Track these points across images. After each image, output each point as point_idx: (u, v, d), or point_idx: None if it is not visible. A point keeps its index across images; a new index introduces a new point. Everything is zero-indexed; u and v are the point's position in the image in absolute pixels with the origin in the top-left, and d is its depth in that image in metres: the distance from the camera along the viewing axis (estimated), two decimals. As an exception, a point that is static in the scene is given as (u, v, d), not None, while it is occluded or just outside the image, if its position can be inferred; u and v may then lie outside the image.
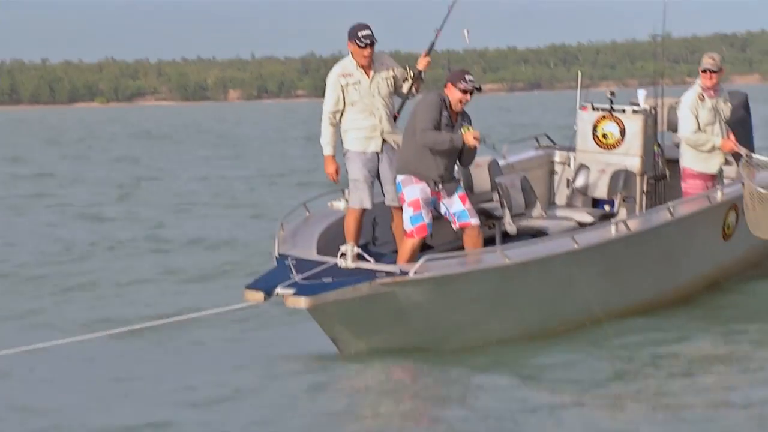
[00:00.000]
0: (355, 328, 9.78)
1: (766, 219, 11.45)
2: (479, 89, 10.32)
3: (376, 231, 10.89)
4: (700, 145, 11.79)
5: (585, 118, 12.20)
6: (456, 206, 10.37)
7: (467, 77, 10.15)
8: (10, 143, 50.59)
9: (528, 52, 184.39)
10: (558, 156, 12.82)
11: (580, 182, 12.20)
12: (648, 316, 10.86)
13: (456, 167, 10.51)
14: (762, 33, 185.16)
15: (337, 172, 10.32)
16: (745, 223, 11.62)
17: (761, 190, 11.35)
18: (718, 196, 11.58)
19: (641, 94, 12.33)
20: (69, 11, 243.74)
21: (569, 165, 12.64)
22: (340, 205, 10.79)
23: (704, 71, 11.72)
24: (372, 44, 10.21)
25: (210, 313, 10.21)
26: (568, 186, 12.48)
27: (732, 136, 11.85)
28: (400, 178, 10.35)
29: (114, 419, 8.37)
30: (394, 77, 10.41)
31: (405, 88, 10.45)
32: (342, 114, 10.32)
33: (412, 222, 10.25)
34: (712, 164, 11.86)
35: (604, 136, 12.09)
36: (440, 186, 10.32)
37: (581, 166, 12.24)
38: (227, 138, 52.15)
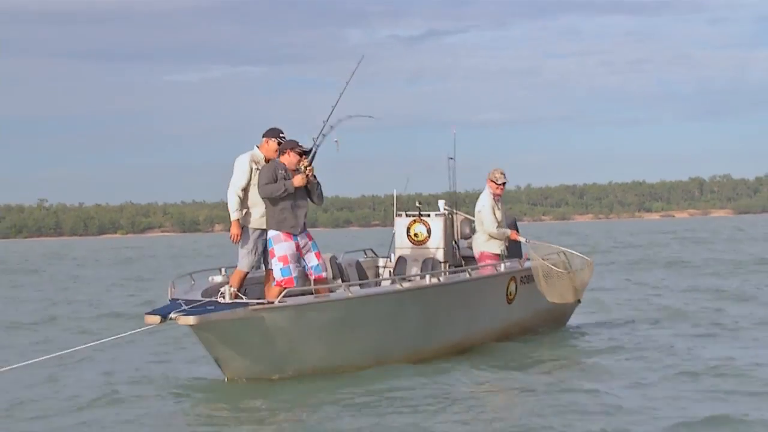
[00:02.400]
0: (233, 346, 9.80)
1: (551, 287, 12.32)
2: (308, 152, 10.57)
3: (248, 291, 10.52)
4: (500, 236, 12.72)
5: (400, 223, 12.59)
6: (313, 261, 10.62)
7: (299, 146, 10.51)
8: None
9: (429, 197, 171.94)
10: (380, 261, 13.24)
11: (399, 271, 12.42)
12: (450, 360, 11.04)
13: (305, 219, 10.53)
14: (594, 185, 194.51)
15: (239, 236, 10.36)
16: (525, 292, 12.53)
17: (547, 264, 12.37)
18: (502, 267, 12.41)
19: (441, 203, 12.78)
20: (98, 168, 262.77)
21: (390, 261, 12.97)
22: (218, 278, 10.72)
23: (501, 184, 12.69)
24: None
25: (115, 338, 10.40)
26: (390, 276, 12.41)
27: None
28: (271, 234, 10.42)
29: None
30: None
31: None
32: (244, 193, 10.37)
33: (282, 274, 10.38)
34: (498, 248, 12.78)
35: (415, 235, 12.54)
36: (299, 234, 10.46)
37: (400, 259, 12.63)
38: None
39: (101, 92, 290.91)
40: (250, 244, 10.52)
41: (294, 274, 10.50)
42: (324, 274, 10.79)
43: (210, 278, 10.86)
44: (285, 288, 10.27)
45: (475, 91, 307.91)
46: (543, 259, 12.70)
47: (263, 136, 10.57)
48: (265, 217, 10.49)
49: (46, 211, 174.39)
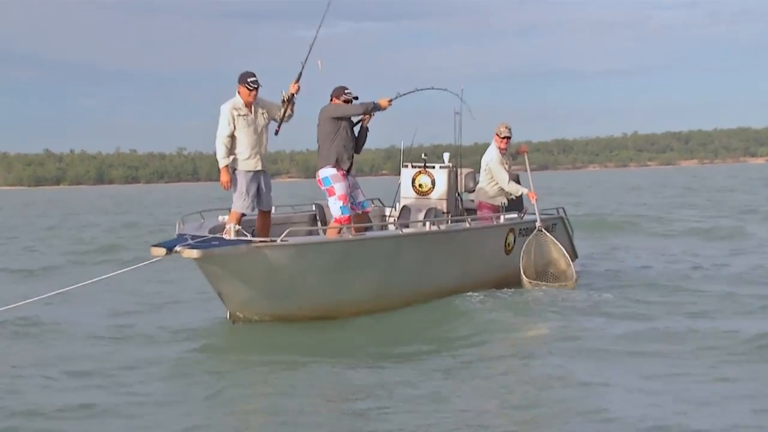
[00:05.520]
0: (235, 281, 9.55)
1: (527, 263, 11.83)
2: (356, 98, 10.61)
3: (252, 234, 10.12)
4: (515, 192, 12.50)
5: (406, 174, 12.29)
6: (360, 197, 10.87)
7: (346, 91, 10.59)
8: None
9: (539, 144, 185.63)
10: (387, 210, 12.89)
11: (403, 220, 11.83)
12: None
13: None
14: (699, 131, 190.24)
15: (229, 182, 10.11)
16: (521, 244, 12.15)
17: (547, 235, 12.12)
18: (501, 219, 12.20)
19: (446, 156, 12.34)
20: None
21: (395, 209, 12.58)
22: (226, 217, 10.50)
23: (504, 138, 12.36)
24: (257, 88, 10.07)
25: (120, 273, 10.14)
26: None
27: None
28: (329, 172, 10.47)
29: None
30: (268, 111, 10.24)
31: (280, 112, 10.30)
32: (232, 140, 10.08)
33: (342, 212, 10.45)
34: (498, 200, 12.52)
35: (420, 185, 12.25)
36: (350, 172, 10.53)
37: (404, 208, 12.21)
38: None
39: (236, 48, 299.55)
40: (243, 187, 10.31)
41: (350, 213, 10.59)
42: (369, 209, 11.19)
43: (219, 217, 10.74)
44: (343, 225, 10.37)
45: (582, 43, 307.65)
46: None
47: (238, 82, 10.38)
48: (251, 159, 10.29)
49: (184, 158, 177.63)
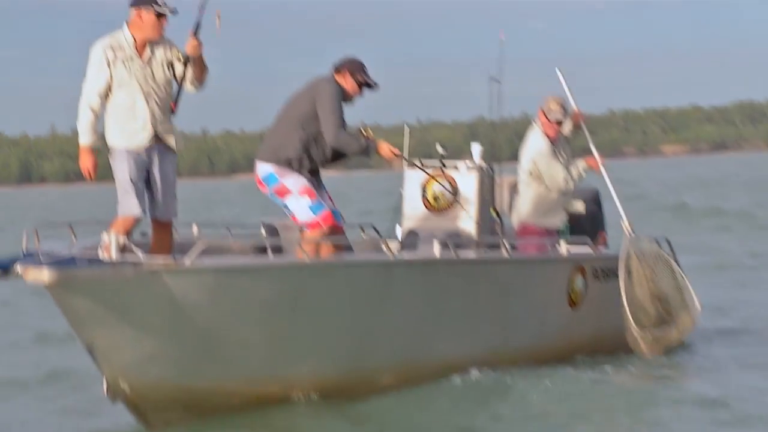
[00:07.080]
0: (117, 328, 7.84)
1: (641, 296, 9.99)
2: (376, 85, 9.33)
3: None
4: (575, 176, 10.49)
5: (412, 179, 10.70)
6: (329, 204, 9.64)
7: (364, 70, 9.34)
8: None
9: (712, 110, 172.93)
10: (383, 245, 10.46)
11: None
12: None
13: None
14: None
15: (94, 168, 8.55)
16: (600, 292, 10.57)
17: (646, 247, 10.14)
18: (564, 249, 10.47)
19: (476, 149, 10.70)
20: (230, 80, 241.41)
21: (397, 236, 10.96)
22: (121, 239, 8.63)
23: (556, 122, 10.60)
24: (166, 15, 8.54)
25: None
26: None
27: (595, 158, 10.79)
28: (271, 168, 9.16)
29: None
30: (172, 62, 8.68)
31: (179, 72, 8.71)
32: (107, 98, 8.55)
33: (313, 210, 9.10)
34: (557, 220, 10.78)
35: (435, 198, 10.54)
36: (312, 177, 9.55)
37: (410, 234, 10.66)
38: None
39: None
40: (124, 174, 8.62)
41: (331, 208, 9.45)
42: (342, 224, 9.92)
43: (104, 235, 8.70)
44: (328, 228, 9.31)
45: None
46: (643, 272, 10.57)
47: (131, 5, 8.78)
48: (136, 131, 8.65)
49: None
